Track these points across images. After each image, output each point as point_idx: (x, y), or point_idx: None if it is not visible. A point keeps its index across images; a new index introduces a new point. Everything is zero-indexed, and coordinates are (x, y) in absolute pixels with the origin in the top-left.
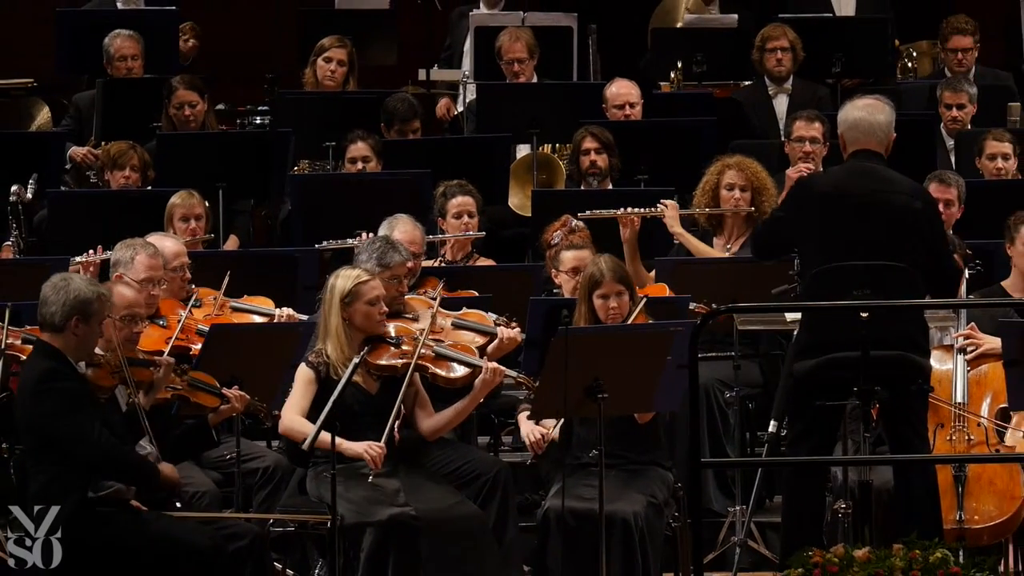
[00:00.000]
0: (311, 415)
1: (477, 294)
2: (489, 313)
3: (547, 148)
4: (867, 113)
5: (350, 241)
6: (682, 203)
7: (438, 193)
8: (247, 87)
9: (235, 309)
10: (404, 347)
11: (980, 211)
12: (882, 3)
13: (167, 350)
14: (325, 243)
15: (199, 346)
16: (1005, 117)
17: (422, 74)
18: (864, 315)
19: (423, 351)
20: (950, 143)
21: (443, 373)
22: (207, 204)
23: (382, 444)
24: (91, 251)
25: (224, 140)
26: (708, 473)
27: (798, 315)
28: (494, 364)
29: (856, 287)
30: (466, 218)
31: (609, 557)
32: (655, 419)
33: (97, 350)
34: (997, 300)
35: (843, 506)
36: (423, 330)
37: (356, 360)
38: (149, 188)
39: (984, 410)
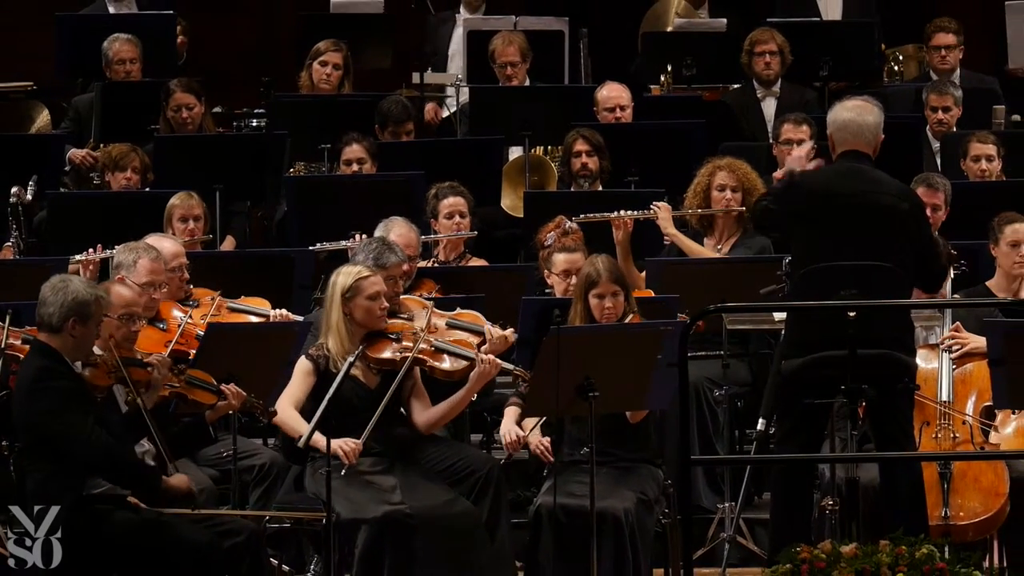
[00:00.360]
0: (308, 407)
1: (471, 295)
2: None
3: (539, 150)
4: (856, 114)
5: (343, 243)
6: (672, 204)
7: (430, 195)
8: (244, 90)
9: (232, 310)
10: (404, 342)
11: (965, 212)
12: (868, 7)
13: (167, 354)
14: (319, 245)
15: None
16: (990, 120)
17: (416, 77)
18: (851, 315)
19: (422, 345)
20: (936, 145)
21: (441, 366)
22: (205, 205)
23: (357, 441)
24: (91, 250)
25: (221, 142)
26: (698, 470)
27: (785, 315)
28: (491, 356)
29: (843, 287)
30: (457, 218)
31: (600, 553)
32: (646, 417)
33: (96, 350)
34: (981, 300)
35: (830, 503)
36: (422, 326)
37: (351, 359)
38: (147, 190)
39: (969, 408)
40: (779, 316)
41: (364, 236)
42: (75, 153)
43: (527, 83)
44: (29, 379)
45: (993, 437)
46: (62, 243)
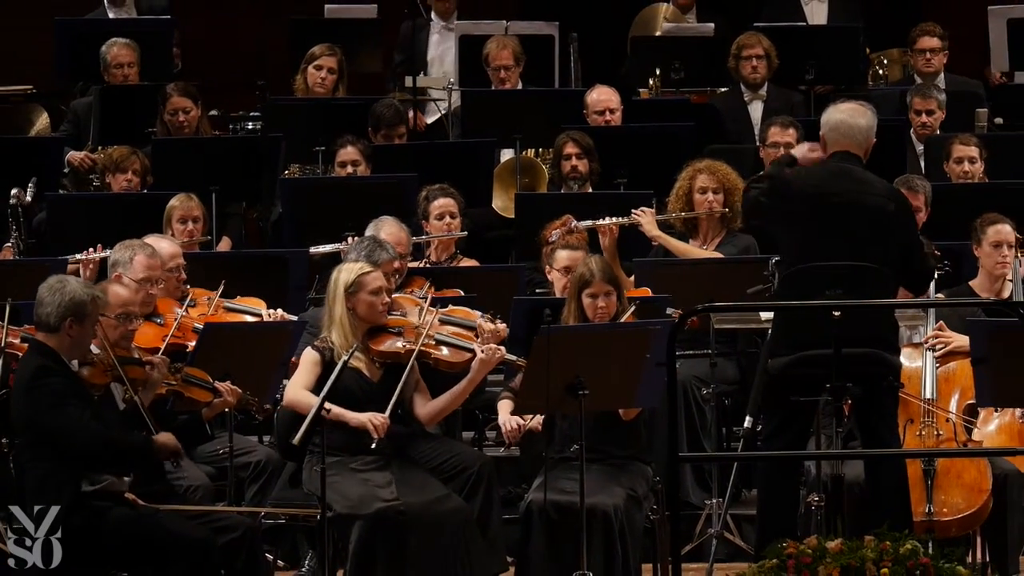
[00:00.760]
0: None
1: (462, 293)
2: (475, 311)
3: (531, 152)
4: (848, 116)
5: (338, 245)
6: (660, 206)
7: (420, 197)
8: (239, 93)
9: (228, 309)
10: (406, 336)
11: (948, 213)
12: (853, 12)
13: (163, 347)
14: (313, 249)
15: (194, 343)
16: (973, 123)
17: (408, 81)
18: (836, 314)
19: (425, 339)
20: (920, 148)
21: (445, 358)
22: (204, 207)
23: (385, 415)
24: (90, 249)
25: (217, 145)
26: (686, 467)
27: (772, 314)
28: (492, 346)
29: (828, 287)
30: (448, 219)
31: (590, 548)
32: (639, 415)
33: (93, 348)
34: (965, 300)
35: (816, 499)
36: (422, 320)
37: (346, 357)
38: (145, 191)
39: (952, 406)
40: (766, 315)
41: (356, 238)
42: (74, 155)
43: (520, 86)
44: (27, 377)
45: (976, 434)
46: (61, 244)
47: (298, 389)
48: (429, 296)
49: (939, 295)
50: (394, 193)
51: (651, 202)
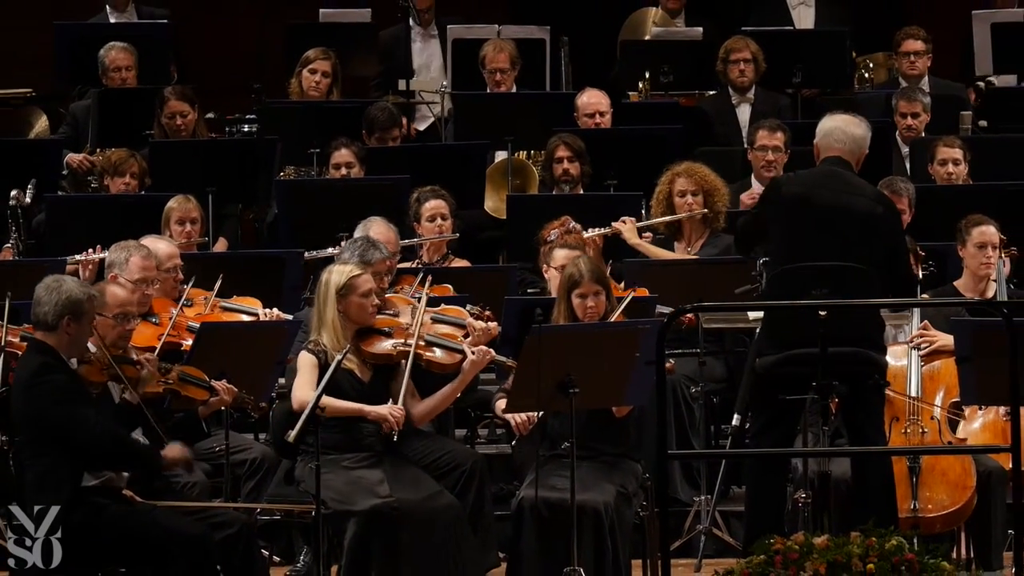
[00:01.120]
0: None
1: (452, 289)
2: (466, 305)
3: (523, 155)
4: (843, 124)
5: (330, 250)
6: (649, 208)
7: (412, 199)
8: (235, 96)
9: (225, 309)
10: (396, 337)
11: (932, 214)
12: (840, 17)
13: (159, 346)
14: (308, 255)
15: (190, 342)
16: (958, 126)
17: (402, 84)
18: (822, 314)
19: (417, 340)
20: (905, 150)
21: (435, 358)
22: (202, 209)
23: (400, 407)
24: (89, 250)
25: (213, 147)
26: (675, 464)
27: (760, 314)
28: (483, 347)
29: (815, 287)
30: (439, 221)
31: (580, 545)
32: (630, 413)
33: (91, 346)
34: (950, 299)
35: (803, 496)
36: (411, 322)
37: (339, 357)
38: (143, 193)
39: (937, 404)
40: (753, 315)
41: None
42: (72, 157)
43: (514, 90)
44: (30, 374)
45: (960, 432)
46: (60, 245)
47: (307, 391)
48: (425, 296)
49: (924, 295)
50: (388, 195)
51: (640, 203)
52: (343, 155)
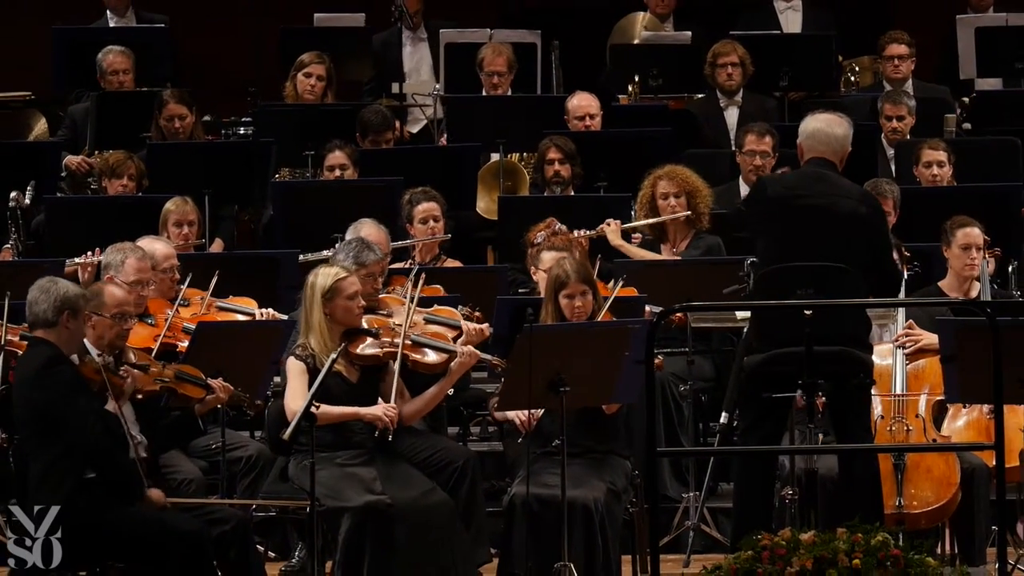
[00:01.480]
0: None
1: (442, 289)
2: (457, 307)
3: (515, 157)
4: (825, 124)
5: (324, 253)
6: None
7: (404, 201)
8: (232, 100)
9: (221, 308)
10: (384, 338)
11: (917, 216)
12: (826, 21)
13: (155, 347)
14: (303, 257)
15: (185, 343)
16: (942, 128)
17: (395, 88)
18: (808, 313)
19: (404, 340)
20: (890, 152)
21: (422, 359)
22: (199, 210)
23: (393, 405)
24: (88, 253)
25: (210, 149)
26: (664, 461)
27: (747, 313)
28: (469, 347)
29: (801, 287)
30: (431, 222)
31: (571, 540)
32: (619, 410)
33: (89, 346)
34: (934, 299)
35: (790, 492)
36: (403, 321)
37: (333, 356)
38: (140, 195)
39: (922, 402)
40: (741, 315)
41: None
42: (71, 160)
43: (510, 93)
44: (38, 366)
45: (945, 429)
46: (59, 245)
47: (297, 399)
48: (416, 296)
49: (908, 296)
50: (381, 196)
51: (630, 204)
52: (337, 157)
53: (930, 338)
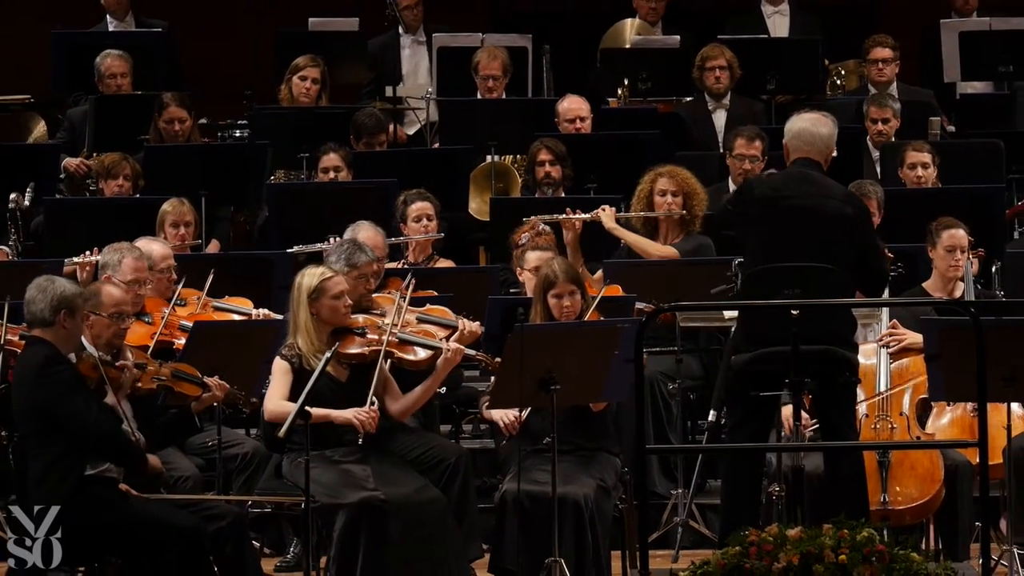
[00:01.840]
0: (290, 401)
1: (436, 294)
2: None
3: (508, 159)
4: (811, 125)
5: (319, 245)
6: (627, 210)
7: (399, 201)
8: (228, 103)
9: (217, 308)
10: (370, 336)
11: (902, 217)
12: (813, 25)
13: (152, 345)
14: (297, 247)
15: (182, 341)
16: (926, 131)
17: (389, 91)
18: (795, 313)
19: (389, 338)
20: (876, 154)
21: (408, 357)
22: (196, 212)
23: (367, 408)
24: (87, 252)
25: (207, 151)
26: (652, 458)
27: (735, 313)
28: (455, 344)
29: (788, 287)
30: (425, 221)
31: (561, 536)
32: (607, 408)
33: (87, 345)
34: (919, 299)
35: (777, 489)
36: (389, 320)
37: (328, 354)
38: (138, 196)
39: (906, 400)
40: (728, 314)
41: (338, 239)
42: (69, 162)
43: (504, 96)
44: (37, 366)
45: (929, 427)
46: (58, 246)
47: (276, 400)
48: (407, 296)
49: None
50: (374, 198)
51: (619, 206)
52: (331, 159)
53: (914, 337)
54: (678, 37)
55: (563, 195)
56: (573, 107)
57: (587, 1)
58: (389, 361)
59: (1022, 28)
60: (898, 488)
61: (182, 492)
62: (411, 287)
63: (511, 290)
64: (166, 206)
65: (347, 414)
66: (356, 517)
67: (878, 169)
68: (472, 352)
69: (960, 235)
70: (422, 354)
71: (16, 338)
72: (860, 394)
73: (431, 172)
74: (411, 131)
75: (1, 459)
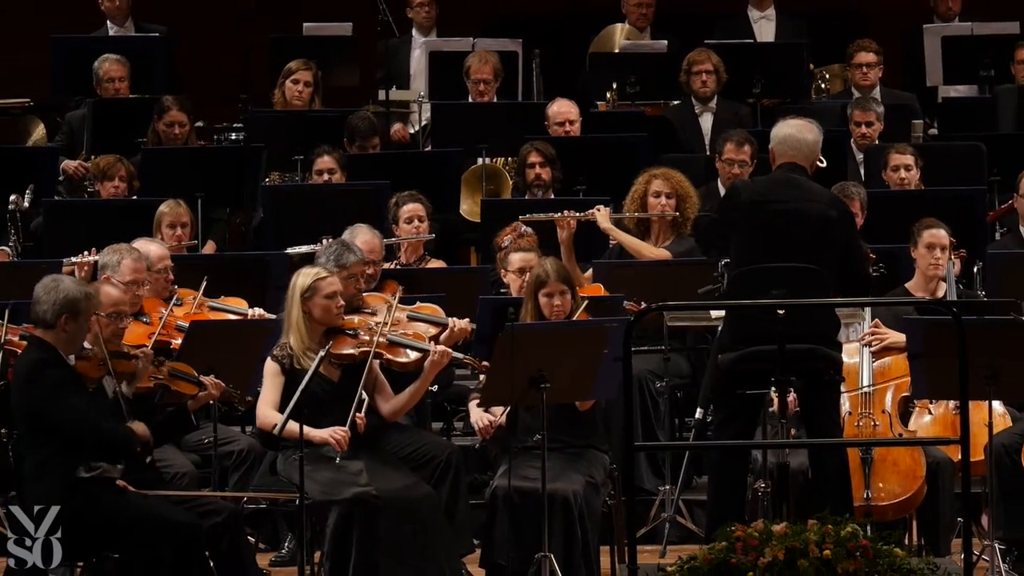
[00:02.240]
0: (281, 405)
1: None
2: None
3: (499, 161)
4: (796, 131)
5: (314, 246)
6: (616, 211)
7: (391, 203)
8: (223, 106)
9: (212, 308)
10: (362, 337)
11: (885, 218)
12: (798, 30)
13: (150, 344)
14: (291, 249)
15: (179, 341)
16: (909, 134)
17: (381, 94)
18: (780, 312)
19: (378, 339)
20: (860, 157)
21: (396, 359)
22: (192, 213)
23: (345, 428)
24: (85, 252)
25: (203, 154)
26: (641, 455)
27: (722, 312)
28: (442, 347)
29: (773, 287)
30: (416, 222)
31: (551, 532)
32: (594, 406)
33: (86, 344)
34: (901, 299)
35: (763, 485)
36: (379, 321)
37: (322, 353)
38: (135, 197)
39: (888, 398)
40: (715, 314)
41: (331, 240)
42: (68, 164)
43: (495, 100)
44: (26, 370)
45: (911, 424)
46: (57, 247)
47: (266, 409)
48: (397, 297)
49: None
50: (367, 199)
51: (608, 207)
52: (325, 162)
53: (895, 336)
54: (666, 42)
55: (553, 197)
56: (563, 110)
57: (577, 7)
58: (379, 362)
59: (1003, 32)
60: (881, 484)
61: (178, 488)
62: (398, 296)
63: (501, 290)
64: (163, 207)
65: (323, 433)
66: (349, 513)
67: (862, 171)
68: (460, 356)
69: (941, 234)
70: (410, 356)
71: (16, 338)
72: (844, 392)
73: (423, 174)
74: (414, 130)
75: (1, 456)
